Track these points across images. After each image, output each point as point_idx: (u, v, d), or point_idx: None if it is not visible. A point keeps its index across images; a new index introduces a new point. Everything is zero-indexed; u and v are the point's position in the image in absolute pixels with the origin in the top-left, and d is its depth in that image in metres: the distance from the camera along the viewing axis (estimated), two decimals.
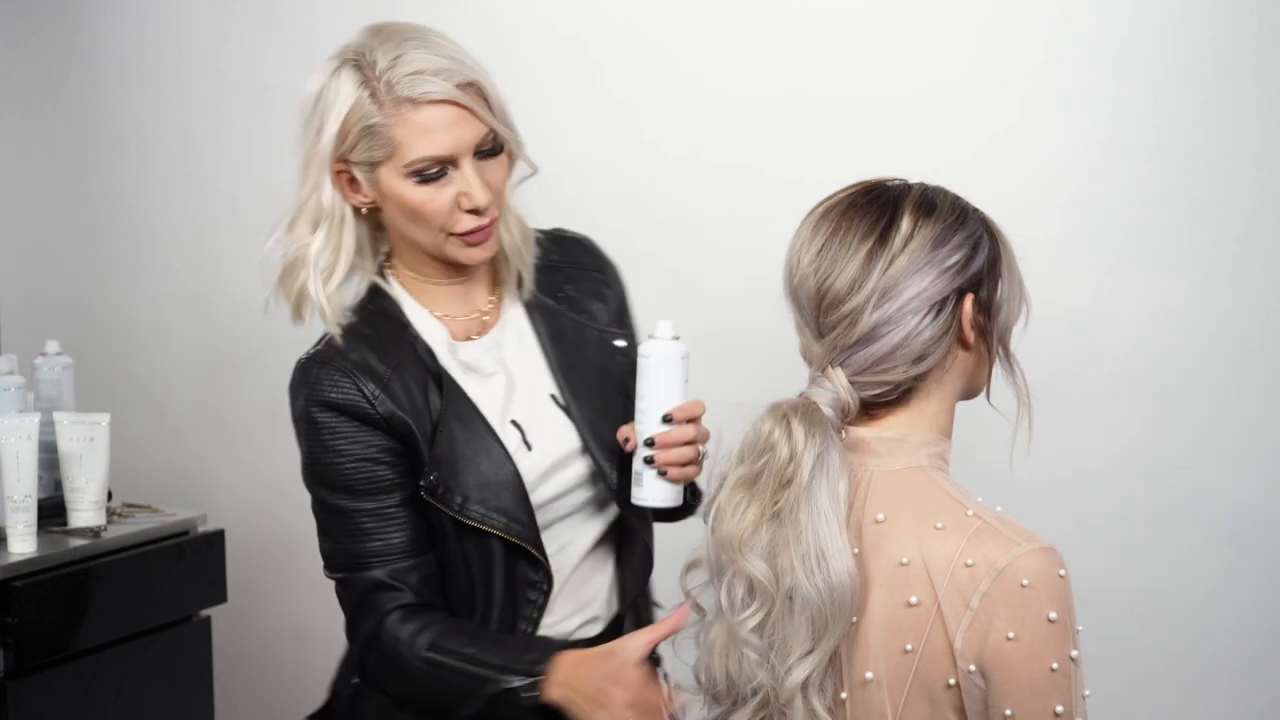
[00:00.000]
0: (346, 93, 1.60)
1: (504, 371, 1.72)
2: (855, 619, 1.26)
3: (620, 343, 1.76)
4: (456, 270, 1.72)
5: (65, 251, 3.39)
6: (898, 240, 1.29)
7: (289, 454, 3.13)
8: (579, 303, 1.78)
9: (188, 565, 2.57)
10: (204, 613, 2.62)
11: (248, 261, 3.24)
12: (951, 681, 1.23)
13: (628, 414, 1.67)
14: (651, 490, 1.62)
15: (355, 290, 1.73)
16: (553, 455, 1.70)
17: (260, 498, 3.20)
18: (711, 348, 2.30)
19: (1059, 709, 1.21)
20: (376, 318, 1.70)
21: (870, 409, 1.33)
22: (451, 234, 1.64)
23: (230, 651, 2.99)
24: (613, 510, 1.75)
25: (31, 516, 2.30)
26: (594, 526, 1.75)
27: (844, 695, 1.27)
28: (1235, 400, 2.60)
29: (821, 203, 1.35)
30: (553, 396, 1.73)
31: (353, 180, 1.65)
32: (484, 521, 1.64)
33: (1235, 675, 2.62)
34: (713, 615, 1.32)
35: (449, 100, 1.58)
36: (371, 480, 1.65)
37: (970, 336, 1.32)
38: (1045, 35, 2.67)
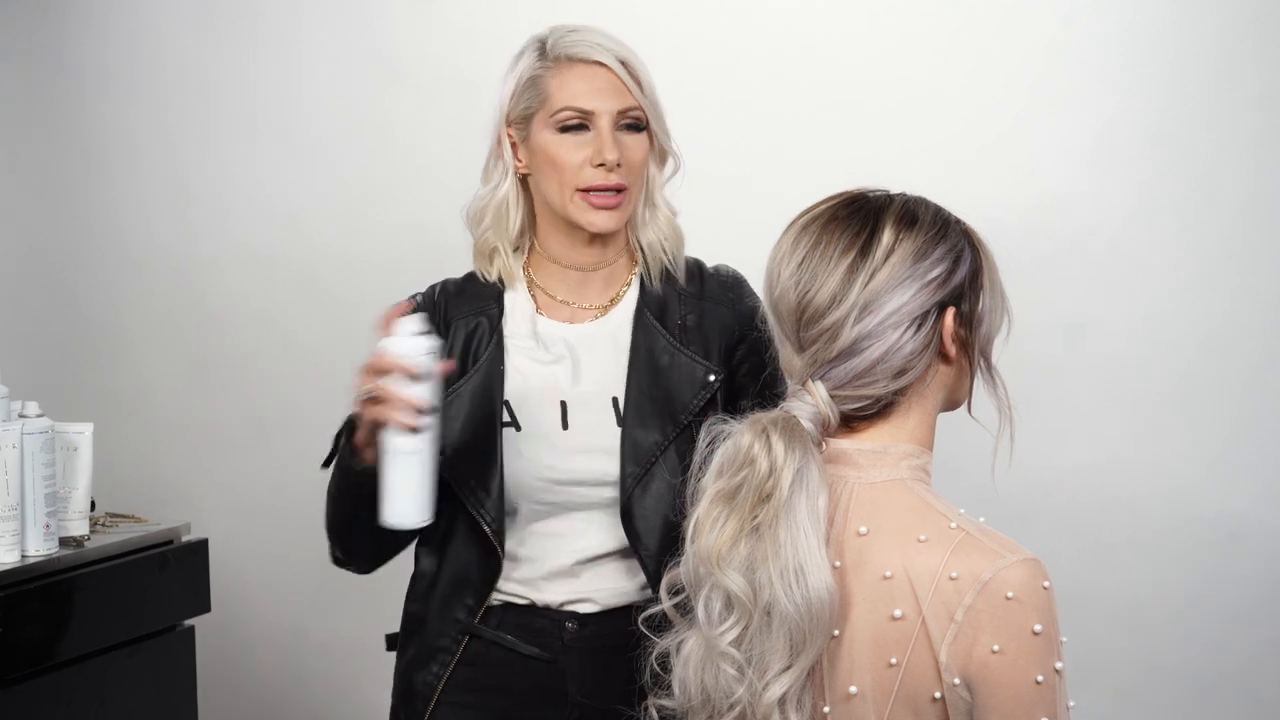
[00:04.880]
0: (525, 61, 1.82)
1: (570, 358, 1.81)
2: (837, 633, 1.26)
3: (711, 377, 1.80)
4: (584, 260, 1.82)
5: (51, 260, 3.38)
6: (879, 253, 1.29)
7: (275, 463, 3.14)
8: (693, 332, 1.82)
9: (171, 575, 2.56)
10: (188, 622, 2.61)
11: (234, 270, 3.26)
12: (937, 695, 1.23)
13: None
14: None
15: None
16: (586, 443, 1.78)
17: (245, 507, 3.19)
18: None
19: None
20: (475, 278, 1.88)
21: (850, 421, 1.32)
22: (578, 190, 1.76)
23: (214, 661, 2.98)
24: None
25: (17, 526, 2.29)
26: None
27: (826, 709, 1.27)
28: (1221, 408, 2.60)
29: (802, 214, 1.35)
30: (614, 399, 1.80)
31: (515, 145, 1.82)
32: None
33: (1220, 683, 2.62)
34: (690, 628, 1.32)
35: (602, 63, 1.77)
36: None
37: (951, 350, 1.31)
38: (1034, 45, 2.67)
